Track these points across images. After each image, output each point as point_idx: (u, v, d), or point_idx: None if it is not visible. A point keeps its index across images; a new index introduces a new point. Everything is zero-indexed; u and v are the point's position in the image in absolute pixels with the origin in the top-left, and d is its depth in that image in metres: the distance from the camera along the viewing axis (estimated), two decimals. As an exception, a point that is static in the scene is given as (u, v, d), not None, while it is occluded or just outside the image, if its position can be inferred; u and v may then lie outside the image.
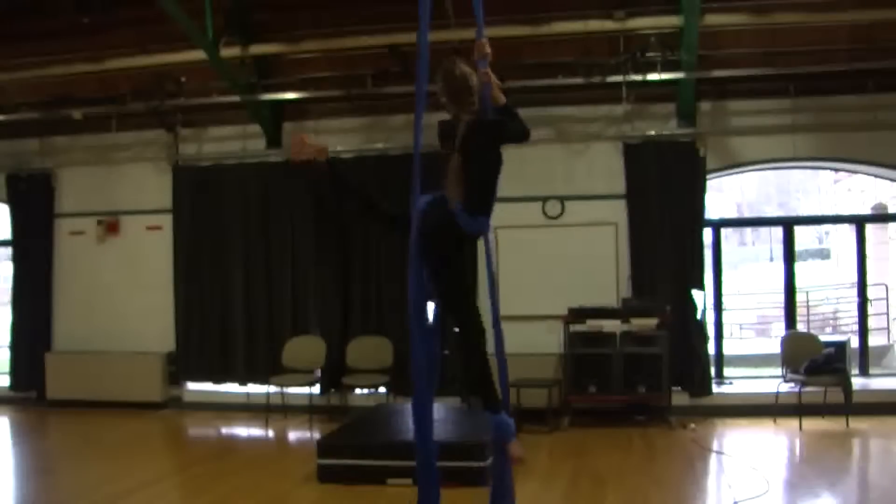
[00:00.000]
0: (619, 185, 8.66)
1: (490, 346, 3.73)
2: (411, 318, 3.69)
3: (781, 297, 9.36)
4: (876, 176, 10.00)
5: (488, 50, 3.73)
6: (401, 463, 5.79)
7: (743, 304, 16.93)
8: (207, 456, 7.42)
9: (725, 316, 10.20)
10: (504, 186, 3.89)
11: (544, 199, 8.72)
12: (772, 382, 8.27)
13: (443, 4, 7.24)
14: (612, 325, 8.16)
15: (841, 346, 8.05)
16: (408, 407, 7.76)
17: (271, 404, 8.68)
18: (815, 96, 8.28)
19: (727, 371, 9.19)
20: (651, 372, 7.99)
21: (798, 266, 9.48)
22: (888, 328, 12.49)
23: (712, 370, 8.61)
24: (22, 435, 8.64)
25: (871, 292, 9.39)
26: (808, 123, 8.33)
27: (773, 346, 8.93)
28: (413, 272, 3.66)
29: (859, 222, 9.44)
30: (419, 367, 3.66)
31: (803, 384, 7.78)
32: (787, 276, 9.03)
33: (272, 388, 8.71)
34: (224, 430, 8.65)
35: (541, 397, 7.97)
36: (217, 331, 9.38)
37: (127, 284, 9.69)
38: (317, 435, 7.42)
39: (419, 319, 3.69)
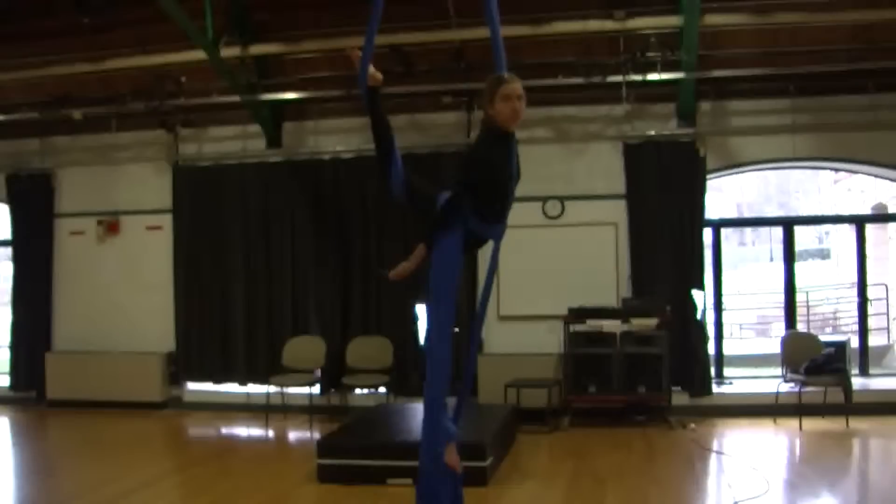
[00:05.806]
0: (619, 185, 8.66)
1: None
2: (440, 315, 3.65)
3: (781, 297, 9.37)
4: (876, 176, 9.99)
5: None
6: (401, 463, 5.79)
7: (743, 304, 16.92)
8: (207, 456, 7.42)
9: (725, 316, 10.20)
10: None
11: (544, 199, 8.71)
12: (772, 382, 8.27)
13: (444, 4, 7.25)
14: (612, 325, 8.16)
15: (841, 346, 8.04)
16: (408, 407, 7.79)
17: (271, 404, 8.68)
18: (815, 96, 8.29)
19: (727, 371, 9.19)
20: (651, 372, 7.99)
21: (798, 266, 9.49)
22: (888, 328, 12.50)
23: (712, 370, 8.61)
24: (22, 435, 8.64)
25: (871, 292, 9.40)
26: (808, 123, 8.34)
27: (773, 346, 8.92)
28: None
29: (859, 222, 9.44)
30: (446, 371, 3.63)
31: (803, 384, 7.78)
32: (787, 276, 9.04)
33: (272, 388, 8.70)
34: (224, 430, 8.65)
35: (541, 397, 7.96)
36: (217, 331, 9.38)
37: (127, 284, 9.69)
38: (317, 435, 7.42)
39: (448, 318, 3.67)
